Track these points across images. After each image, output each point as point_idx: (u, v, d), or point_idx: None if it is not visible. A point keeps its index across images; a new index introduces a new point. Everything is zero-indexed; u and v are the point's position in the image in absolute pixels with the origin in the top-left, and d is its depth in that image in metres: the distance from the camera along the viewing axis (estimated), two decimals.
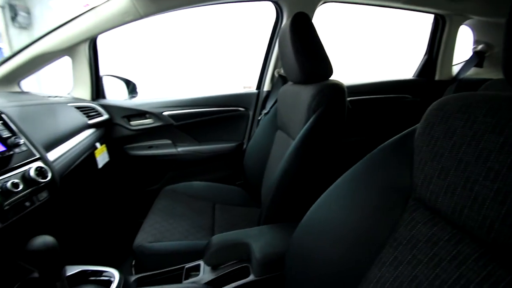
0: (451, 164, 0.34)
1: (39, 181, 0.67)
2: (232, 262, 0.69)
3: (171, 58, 4.52)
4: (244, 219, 1.07)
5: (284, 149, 1.00)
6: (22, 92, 1.15)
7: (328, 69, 0.89)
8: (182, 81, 4.59)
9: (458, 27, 1.67)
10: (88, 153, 1.07)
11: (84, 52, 1.23)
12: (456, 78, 1.75)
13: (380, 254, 0.40)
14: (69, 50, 1.18)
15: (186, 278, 0.69)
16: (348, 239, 0.45)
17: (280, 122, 1.13)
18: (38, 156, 0.72)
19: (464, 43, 1.77)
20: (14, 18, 4.14)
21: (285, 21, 1.39)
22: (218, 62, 4.62)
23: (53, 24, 1.10)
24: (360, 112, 1.59)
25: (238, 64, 4.50)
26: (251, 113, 1.56)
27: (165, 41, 4.42)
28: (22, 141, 0.71)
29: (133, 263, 0.95)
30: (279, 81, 1.47)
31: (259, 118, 1.52)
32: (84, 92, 1.32)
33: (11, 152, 0.67)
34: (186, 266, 0.72)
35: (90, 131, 1.13)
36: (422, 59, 1.80)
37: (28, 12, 4.29)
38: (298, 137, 0.83)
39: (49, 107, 0.98)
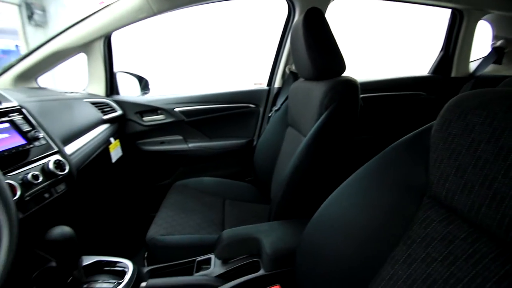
0: (468, 161, 0.33)
1: (57, 174, 0.69)
2: (243, 256, 0.70)
3: (182, 55, 4.55)
4: (254, 215, 1.07)
5: (294, 146, 0.99)
6: (40, 88, 1.19)
7: (341, 65, 0.88)
8: (193, 77, 4.63)
9: (477, 22, 1.62)
10: (103, 147, 1.10)
11: (99, 49, 1.26)
12: (473, 75, 1.69)
13: (393, 252, 0.40)
14: (84, 47, 1.21)
15: (197, 271, 0.71)
16: (359, 236, 0.45)
17: (291, 119, 1.12)
18: (56, 149, 0.75)
19: (482, 38, 1.72)
20: (30, 16, 4.25)
21: (297, 17, 1.38)
22: (229, 59, 4.63)
23: (67, 21, 1.13)
24: (372, 109, 1.57)
25: (249, 61, 4.49)
26: (261, 109, 1.56)
27: (176, 38, 4.46)
28: (41, 134, 0.73)
29: (146, 255, 0.98)
30: (290, 77, 1.46)
31: (270, 115, 1.52)
32: (98, 88, 1.35)
33: (31, 146, 0.69)
34: (198, 259, 0.74)
35: (104, 126, 1.16)
36: (438, 56, 1.75)
37: (44, 10, 4.40)
38: (309, 133, 0.83)
39: (66, 102, 1.01)
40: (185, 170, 1.55)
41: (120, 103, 1.36)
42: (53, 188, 0.70)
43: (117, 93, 1.44)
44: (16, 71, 1.11)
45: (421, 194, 0.40)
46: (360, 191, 0.49)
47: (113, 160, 1.20)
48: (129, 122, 1.41)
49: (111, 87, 1.40)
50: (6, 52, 4.80)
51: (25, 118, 0.74)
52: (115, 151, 1.23)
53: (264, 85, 1.59)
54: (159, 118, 1.44)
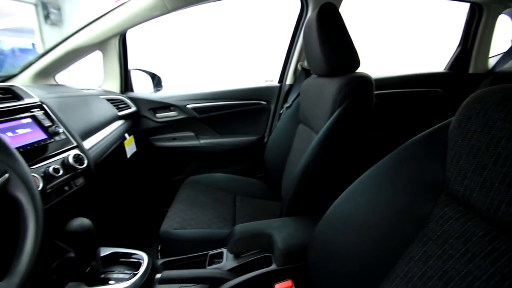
0: (488, 158, 0.32)
1: (76, 168, 0.72)
2: (255, 251, 0.71)
3: (193, 52, 4.59)
4: (265, 211, 1.08)
5: (306, 143, 0.99)
6: (58, 85, 1.22)
7: (355, 61, 0.87)
8: (205, 74, 4.66)
9: (497, 16, 1.56)
10: (118, 143, 1.13)
11: (114, 46, 1.28)
12: (492, 71, 1.64)
13: (408, 249, 0.39)
14: (100, 44, 1.23)
15: (210, 264, 0.72)
16: (372, 233, 0.45)
17: (303, 115, 1.12)
18: (75, 144, 0.77)
19: (502, 33, 1.65)
20: (47, 16, 4.37)
21: (310, 13, 1.36)
22: (240, 56, 4.63)
23: (82, 19, 1.15)
24: (386, 106, 1.54)
25: (260, 57, 4.48)
26: (272, 106, 1.56)
27: (188, 35, 4.49)
28: (61, 130, 0.76)
29: (159, 248, 1.00)
30: (302, 74, 1.45)
31: (281, 111, 1.52)
32: (114, 85, 1.38)
33: (52, 140, 0.72)
34: (210, 253, 0.75)
35: (119, 122, 1.19)
36: (455, 51, 1.70)
37: (59, 9, 4.51)
38: (322, 130, 0.82)
39: (84, 99, 1.04)
40: (196, 166, 1.57)
41: (134, 100, 1.39)
42: (73, 181, 0.72)
43: (131, 90, 1.47)
44: (35, 69, 1.15)
45: (437, 191, 0.39)
46: (374, 189, 0.49)
47: (128, 155, 1.23)
48: (142, 119, 1.44)
49: (126, 84, 1.43)
50: (23, 50, 4.97)
51: (46, 113, 0.77)
52: (130, 147, 1.26)
53: (275, 82, 1.59)
54: (171, 114, 1.47)
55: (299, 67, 1.49)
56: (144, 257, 0.70)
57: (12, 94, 0.76)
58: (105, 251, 0.71)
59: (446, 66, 1.74)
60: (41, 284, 0.63)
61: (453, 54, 1.71)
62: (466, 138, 0.35)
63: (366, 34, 4.03)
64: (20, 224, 0.42)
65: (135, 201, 1.49)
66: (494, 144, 0.32)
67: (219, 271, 0.67)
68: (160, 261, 0.74)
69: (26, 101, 0.76)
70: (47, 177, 0.64)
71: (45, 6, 4.35)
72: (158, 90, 1.55)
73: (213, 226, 0.94)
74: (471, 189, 0.34)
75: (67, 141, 0.76)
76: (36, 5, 4.31)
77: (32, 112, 0.74)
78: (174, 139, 1.51)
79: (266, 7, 4.26)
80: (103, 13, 1.14)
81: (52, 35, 4.36)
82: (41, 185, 0.60)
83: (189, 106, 1.45)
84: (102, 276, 0.66)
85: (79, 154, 0.75)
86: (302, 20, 1.42)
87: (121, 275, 0.66)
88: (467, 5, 1.59)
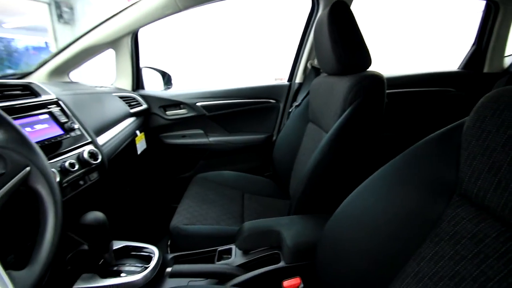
0: (503, 158, 0.32)
1: (91, 163, 0.74)
2: (263, 248, 0.72)
3: (204, 50, 4.61)
4: (273, 209, 1.09)
5: (315, 141, 0.99)
6: (72, 82, 1.26)
7: (366, 59, 0.86)
8: (215, 73, 4.68)
9: None
10: (130, 139, 1.15)
11: (126, 45, 1.31)
12: (508, 71, 1.59)
13: (419, 249, 0.39)
14: (113, 43, 1.26)
15: (219, 260, 0.73)
16: (383, 232, 0.45)
17: (312, 114, 1.12)
18: (90, 140, 0.80)
19: None
20: (60, 15, 4.46)
21: (321, 11, 1.35)
22: (250, 54, 4.64)
23: (93, 18, 1.17)
24: (398, 106, 1.52)
25: (270, 56, 4.47)
26: (281, 105, 1.56)
27: (199, 33, 4.52)
28: (76, 126, 0.78)
29: (169, 242, 1.02)
30: (311, 73, 1.44)
31: (290, 110, 1.52)
32: (126, 82, 1.41)
33: (68, 136, 0.74)
34: (219, 249, 0.76)
35: (131, 119, 1.21)
36: (470, 50, 1.66)
37: (71, 8, 4.60)
38: (332, 129, 0.82)
39: (97, 96, 1.06)
40: (205, 163, 1.59)
41: (145, 97, 1.42)
42: (87, 176, 0.75)
43: (143, 87, 1.49)
44: (50, 66, 1.18)
45: (450, 192, 0.39)
46: (385, 188, 0.48)
47: (139, 152, 1.26)
48: (153, 116, 1.46)
49: (137, 81, 1.45)
50: (37, 48, 5.09)
51: (62, 110, 0.79)
52: (140, 144, 1.28)
53: (284, 81, 1.59)
54: (181, 112, 1.48)
55: (309, 66, 1.48)
56: (155, 251, 0.72)
57: (30, 91, 0.78)
58: (117, 244, 0.73)
59: (460, 65, 1.70)
60: (57, 274, 0.65)
61: (468, 53, 1.67)
62: (481, 138, 0.35)
63: (378, 32, 3.97)
64: (40, 215, 0.44)
65: (145, 196, 1.52)
66: (510, 145, 0.32)
67: (228, 267, 0.68)
68: (170, 256, 0.76)
69: (43, 97, 0.78)
70: (64, 172, 0.66)
71: (58, 5, 4.44)
72: (168, 88, 1.57)
73: (222, 223, 0.95)
74: (485, 189, 0.34)
75: (82, 137, 0.78)
76: (49, 4, 4.40)
77: (49, 108, 0.76)
78: (183, 136, 1.53)
79: (276, 6, 4.24)
80: (116, 12, 1.16)
81: (65, 33, 4.45)
82: (58, 179, 0.62)
83: (198, 104, 1.47)
84: (115, 268, 0.68)
85: (93, 150, 0.77)
86: (313, 19, 1.41)
87: (132, 268, 0.68)
88: (483, 3, 1.55)
